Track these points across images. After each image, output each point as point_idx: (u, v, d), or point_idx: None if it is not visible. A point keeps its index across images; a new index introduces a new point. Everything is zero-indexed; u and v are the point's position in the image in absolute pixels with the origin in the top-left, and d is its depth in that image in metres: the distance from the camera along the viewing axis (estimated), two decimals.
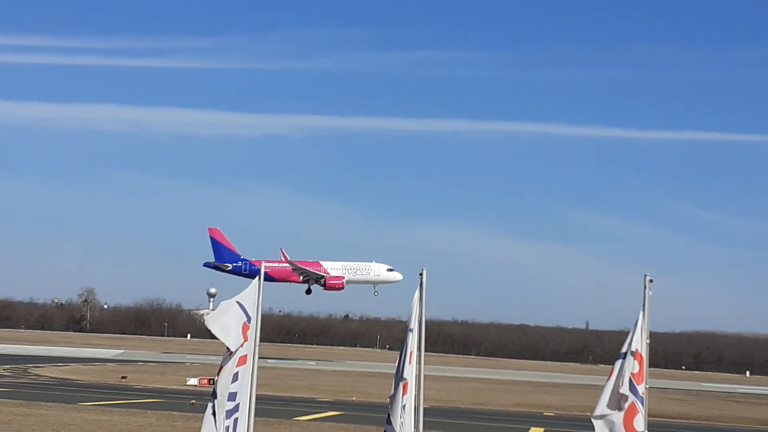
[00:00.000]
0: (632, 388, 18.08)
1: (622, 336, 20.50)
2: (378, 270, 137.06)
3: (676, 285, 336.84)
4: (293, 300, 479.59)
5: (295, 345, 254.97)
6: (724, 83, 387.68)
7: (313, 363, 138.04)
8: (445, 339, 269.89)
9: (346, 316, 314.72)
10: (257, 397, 19.53)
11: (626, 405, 18.04)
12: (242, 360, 18.83)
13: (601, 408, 18.20)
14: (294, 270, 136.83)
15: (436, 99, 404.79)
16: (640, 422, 18.13)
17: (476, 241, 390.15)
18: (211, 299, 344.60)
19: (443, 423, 51.01)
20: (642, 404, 18.18)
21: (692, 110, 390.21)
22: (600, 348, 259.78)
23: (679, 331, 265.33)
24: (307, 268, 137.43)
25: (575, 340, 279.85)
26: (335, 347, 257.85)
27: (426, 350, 20.04)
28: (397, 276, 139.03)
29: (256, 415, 19.27)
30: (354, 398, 71.86)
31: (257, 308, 19.41)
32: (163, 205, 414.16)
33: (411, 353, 18.82)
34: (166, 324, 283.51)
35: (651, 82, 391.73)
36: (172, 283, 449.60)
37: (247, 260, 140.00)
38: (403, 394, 18.58)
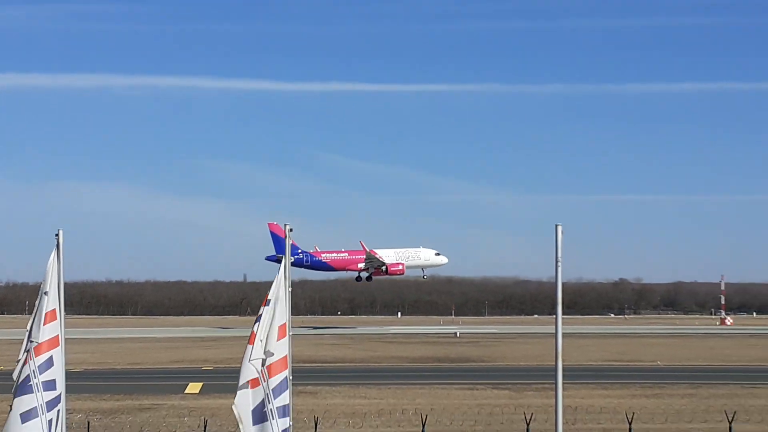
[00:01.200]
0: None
1: None
2: (427, 254, 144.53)
3: (326, 231, 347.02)
4: None
5: None
6: (363, 35, 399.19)
7: None
8: (99, 300, 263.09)
9: None
10: None
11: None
12: None
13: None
14: (367, 259, 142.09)
15: (79, 53, 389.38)
16: None
17: (124, 199, 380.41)
18: None
19: (97, 386, 49.38)
20: None
21: (341, 62, 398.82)
22: (258, 299, 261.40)
23: (333, 278, 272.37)
24: (378, 258, 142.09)
25: (234, 293, 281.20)
26: None
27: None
28: (443, 260, 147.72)
29: None
30: (2, 368, 68.66)
31: None
32: None
33: (47, 315, 17.45)
34: None
35: (296, 36, 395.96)
36: None
37: (307, 252, 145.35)
38: (34, 357, 17.35)
